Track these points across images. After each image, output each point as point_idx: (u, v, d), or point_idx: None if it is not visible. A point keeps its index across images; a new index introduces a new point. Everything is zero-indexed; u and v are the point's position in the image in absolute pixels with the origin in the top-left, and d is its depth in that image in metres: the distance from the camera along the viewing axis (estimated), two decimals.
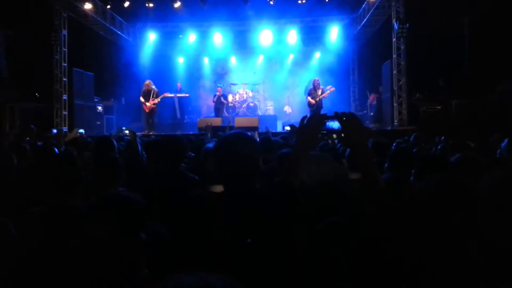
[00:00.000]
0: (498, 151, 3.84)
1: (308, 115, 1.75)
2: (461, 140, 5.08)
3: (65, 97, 12.14)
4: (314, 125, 1.60)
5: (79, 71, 12.35)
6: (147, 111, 11.72)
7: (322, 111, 11.81)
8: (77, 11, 12.28)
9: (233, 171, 1.61)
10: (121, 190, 2.08)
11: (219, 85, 14.90)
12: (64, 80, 12.15)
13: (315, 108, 11.86)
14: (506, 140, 3.61)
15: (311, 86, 12.23)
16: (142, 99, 11.70)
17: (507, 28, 10.53)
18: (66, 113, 12.13)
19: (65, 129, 11.48)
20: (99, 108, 13.39)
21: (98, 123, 13.11)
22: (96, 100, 13.29)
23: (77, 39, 12.64)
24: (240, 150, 1.62)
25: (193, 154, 3.78)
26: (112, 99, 14.45)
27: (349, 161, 2.74)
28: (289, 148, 3.07)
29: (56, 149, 4.14)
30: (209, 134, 7.31)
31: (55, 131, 9.75)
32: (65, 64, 12.20)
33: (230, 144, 1.66)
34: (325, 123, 1.59)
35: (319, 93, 11.89)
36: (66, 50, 12.24)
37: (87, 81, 12.80)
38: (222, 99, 13.84)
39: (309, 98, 12.03)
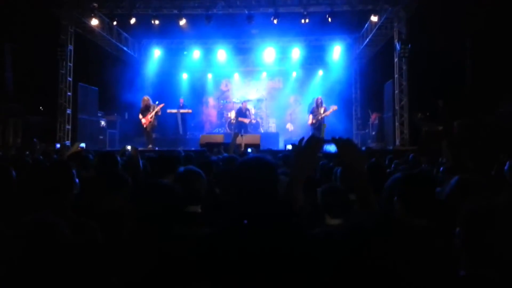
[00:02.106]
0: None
1: (307, 135, 1.78)
2: (463, 161, 5.08)
3: (69, 111, 12.22)
4: (312, 147, 1.62)
5: (84, 86, 12.48)
6: (145, 126, 11.80)
7: (325, 129, 11.91)
8: (83, 27, 12.48)
9: (251, 195, 1.64)
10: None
11: (223, 100, 14.93)
12: (69, 95, 12.26)
13: (317, 126, 11.93)
14: (507, 163, 3.62)
15: (314, 105, 12.32)
16: (140, 115, 11.80)
17: (509, 49, 10.63)
18: (69, 127, 12.20)
19: (67, 143, 11.54)
20: (103, 122, 13.48)
21: (101, 137, 13.18)
22: (99, 114, 13.39)
23: (83, 54, 12.81)
24: (257, 175, 1.65)
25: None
26: (115, 114, 14.55)
27: (341, 181, 2.76)
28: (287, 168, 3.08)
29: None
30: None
31: (58, 145, 9.79)
32: (70, 79, 12.33)
33: (248, 169, 1.70)
34: (322, 146, 1.61)
35: (322, 111, 11.96)
36: (71, 65, 12.38)
37: (92, 95, 12.92)
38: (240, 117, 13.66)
39: (310, 116, 12.12)
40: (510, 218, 1.36)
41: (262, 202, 1.62)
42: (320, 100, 12.17)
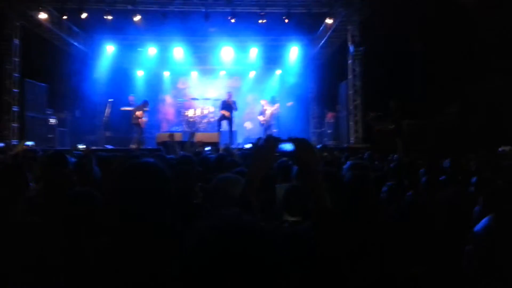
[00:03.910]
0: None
1: (262, 135, 1.82)
2: (413, 159, 5.33)
3: (15, 108, 11.58)
4: (269, 146, 1.64)
5: (32, 82, 11.88)
6: (143, 126, 12.28)
7: (274, 126, 12.39)
8: (31, 20, 11.85)
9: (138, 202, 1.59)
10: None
11: (181, 98, 14.62)
12: (15, 91, 11.61)
13: (266, 127, 12.33)
14: (448, 160, 3.85)
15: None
16: (138, 112, 12.22)
17: (456, 53, 11.23)
18: (16, 125, 11.56)
19: (14, 142, 10.94)
20: (52, 120, 12.84)
21: (51, 136, 12.55)
22: (48, 112, 12.76)
23: (31, 49, 12.17)
24: (145, 182, 1.62)
25: None
26: (66, 111, 13.93)
27: (297, 179, 2.81)
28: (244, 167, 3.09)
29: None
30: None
31: (2, 144, 9.26)
32: (17, 75, 11.69)
33: (135, 175, 1.65)
34: (278, 145, 1.65)
35: (268, 111, 12.31)
36: (18, 60, 11.73)
37: (40, 92, 12.33)
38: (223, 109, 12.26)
39: (259, 117, 12.73)
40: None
41: (146, 205, 1.59)
42: (263, 102, 12.66)
